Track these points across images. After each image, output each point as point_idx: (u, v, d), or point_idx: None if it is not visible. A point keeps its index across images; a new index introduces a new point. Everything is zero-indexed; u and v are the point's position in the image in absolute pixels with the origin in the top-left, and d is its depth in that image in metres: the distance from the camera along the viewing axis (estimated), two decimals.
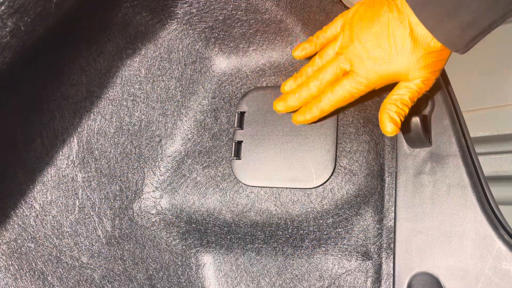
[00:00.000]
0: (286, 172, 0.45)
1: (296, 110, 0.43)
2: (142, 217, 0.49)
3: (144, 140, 0.49)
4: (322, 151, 0.45)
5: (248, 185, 0.47)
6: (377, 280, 0.46)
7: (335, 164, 0.45)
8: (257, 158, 0.46)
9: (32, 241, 0.41)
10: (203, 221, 0.49)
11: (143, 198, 0.49)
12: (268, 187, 0.46)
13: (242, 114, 0.48)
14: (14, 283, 0.39)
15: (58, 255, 0.42)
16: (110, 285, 0.45)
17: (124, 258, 0.47)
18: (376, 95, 0.47)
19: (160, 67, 0.48)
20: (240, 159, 0.47)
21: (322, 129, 0.45)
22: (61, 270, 0.42)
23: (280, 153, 0.46)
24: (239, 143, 0.47)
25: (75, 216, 0.44)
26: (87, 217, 0.44)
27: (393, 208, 0.44)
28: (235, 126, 0.47)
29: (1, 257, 0.39)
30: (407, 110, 0.37)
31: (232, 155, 0.47)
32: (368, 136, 0.45)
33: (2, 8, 0.25)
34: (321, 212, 0.45)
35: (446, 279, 0.40)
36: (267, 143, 0.47)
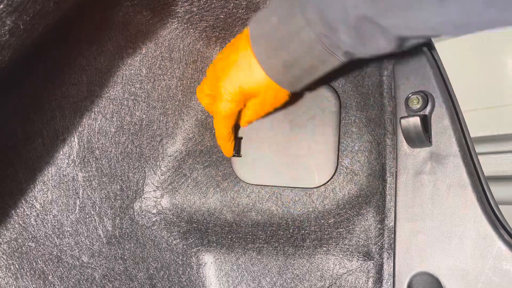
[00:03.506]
0: (287, 171, 0.45)
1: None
2: (143, 216, 0.49)
3: (145, 139, 0.48)
4: (324, 150, 0.45)
5: (249, 183, 0.47)
6: (379, 280, 0.46)
7: (338, 164, 0.44)
8: (258, 156, 0.46)
9: (32, 241, 0.40)
10: (204, 220, 0.49)
11: (144, 198, 0.49)
12: (269, 185, 0.46)
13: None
14: (14, 282, 0.39)
15: (58, 254, 0.42)
16: (110, 285, 0.45)
17: (125, 257, 0.47)
18: (378, 95, 0.47)
19: (161, 66, 0.48)
20: (240, 156, 0.47)
21: (324, 128, 0.45)
22: (61, 269, 0.42)
23: (282, 152, 0.46)
24: (239, 140, 0.47)
25: (76, 216, 0.44)
26: (87, 216, 0.44)
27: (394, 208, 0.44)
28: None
29: (1, 257, 0.38)
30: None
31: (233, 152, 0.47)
32: (370, 136, 0.45)
33: (1, 6, 0.25)
34: (323, 212, 0.45)
35: (446, 279, 0.40)
36: (268, 141, 0.46)
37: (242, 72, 0.37)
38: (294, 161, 0.45)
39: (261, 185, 0.47)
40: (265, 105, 0.40)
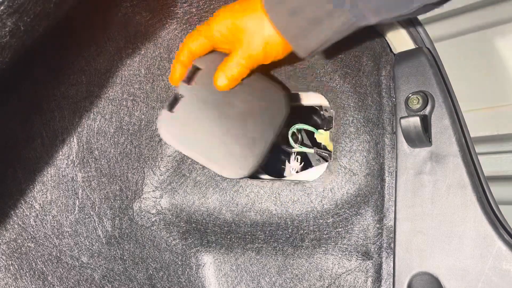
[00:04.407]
0: (211, 149, 0.42)
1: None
2: (142, 216, 0.49)
3: (144, 139, 0.49)
4: (256, 141, 0.42)
5: (166, 142, 0.43)
6: (377, 279, 0.46)
7: (257, 162, 0.42)
8: (190, 121, 0.42)
9: (32, 241, 0.41)
10: (203, 220, 0.49)
11: (143, 198, 0.49)
12: (184, 154, 0.43)
13: (196, 70, 0.43)
14: (14, 283, 0.39)
15: (58, 255, 0.42)
16: (110, 285, 0.45)
17: (124, 258, 0.47)
18: (377, 95, 0.47)
19: (160, 66, 0.48)
20: (172, 112, 0.43)
21: (261, 128, 0.43)
22: (61, 270, 0.42)
23: (217, 127, 0.42)
24: (178, 97, 0.43)
25: (75, 216, 0.44)
26: (87, 217, 0.44)
27: (393, 208, 0.44)
28: (184, 79, 0.43)
29: (1, 257, 0.39)
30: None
31: (166, 105, 0.42)
32: (368, 136, 0.45)
33: (2, 8, 0.25)
34: (321, 212, 0.45)
35: (446, 279, 0.40)
36: (208, 112, 0.43)
37: (238, 8, 0.38)
38: (223, 142, 0.42)
39: (179, 152, 0.43)
40: (255, 51, 0.38)
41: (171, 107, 0.43)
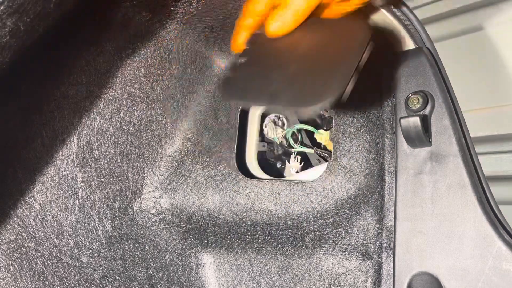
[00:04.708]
0: (284, 93, 0.35)
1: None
2: (142, 216, 0.49)
3: (144, 140, 0.49)
4: (335, 74, 0.34)
5: (235, 103, 0.39)
6: (377, 279, 0.46)
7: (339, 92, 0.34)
8: (255, 74, 0.37)
9: (32, 241, 0.41)
10: (203, 220, 0.49)
11: (143, 198, 0.49)
12: (258, 105, 0.38)
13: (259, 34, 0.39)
14: (14, 283, 0.39)
15: (58, 255, 0.42)
16: (110, 285, 0.45)
17: (124, 258, 0.47)
18: (377, 95, 0.47)
19: (160, 66, 0.48)
20: (233, 75, 0.39)
21: (348, 49, 0.37)
22: (61, 270, 0.42)
23: (282, 71, 0.37)
24: (238, 64, 0.39)
25: (75, 216, 0.44)
26: (87, 217, 0.44)
27: (393, 208, 0.44)
28: (248, 44, 0.39)
29: (1, 257, 0.39)
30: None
31: (226, 73, 0.39)
32: (368, 136, 0.45)
33: (2, 8, 0.25)
34: (321, 212, 0.45)
35: (446, 279, 0.40)
36: (274, 60, 0.38)
37: None
38: (295, 78, 0.36)
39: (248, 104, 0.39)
40: None
41: (233, 72, 0.38)
